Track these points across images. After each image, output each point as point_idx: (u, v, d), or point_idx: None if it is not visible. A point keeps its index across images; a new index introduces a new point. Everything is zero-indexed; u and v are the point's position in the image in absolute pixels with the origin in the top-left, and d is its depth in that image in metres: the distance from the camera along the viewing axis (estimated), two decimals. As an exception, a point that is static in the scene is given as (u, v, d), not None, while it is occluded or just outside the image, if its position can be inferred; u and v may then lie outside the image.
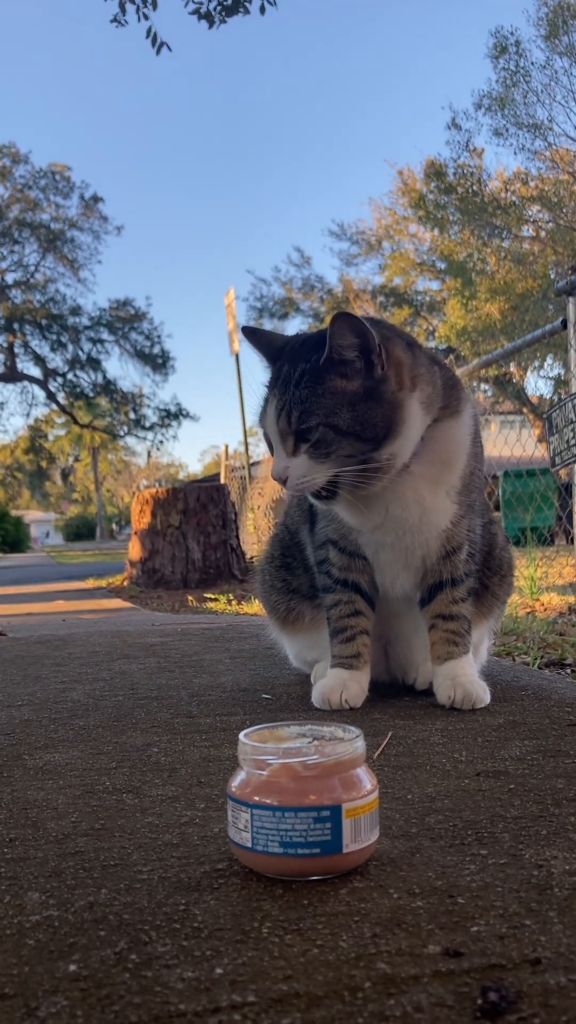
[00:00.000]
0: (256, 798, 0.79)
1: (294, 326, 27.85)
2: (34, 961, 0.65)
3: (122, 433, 34.44)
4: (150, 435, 33.16)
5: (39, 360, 30.72)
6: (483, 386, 16.94)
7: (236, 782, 0.82)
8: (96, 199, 29.10)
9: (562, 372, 18.11)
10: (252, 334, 1.52)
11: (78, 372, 31.26)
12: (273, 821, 0.77)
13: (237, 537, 7.16)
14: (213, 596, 5.54)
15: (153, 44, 6.64)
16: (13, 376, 30.56)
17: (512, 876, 0.78)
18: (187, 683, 1.87)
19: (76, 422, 34.38)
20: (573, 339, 3.74)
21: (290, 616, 1.75)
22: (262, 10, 6.61)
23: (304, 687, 1.70)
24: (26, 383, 31.55)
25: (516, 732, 1.32)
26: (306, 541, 1.70)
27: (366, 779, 0.81)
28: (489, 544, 1.66)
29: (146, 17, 6.68)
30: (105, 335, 30.97)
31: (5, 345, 30.01)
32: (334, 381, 1.35)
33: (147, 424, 32.53)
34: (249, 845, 0.79)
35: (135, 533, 7.08)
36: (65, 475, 54.42)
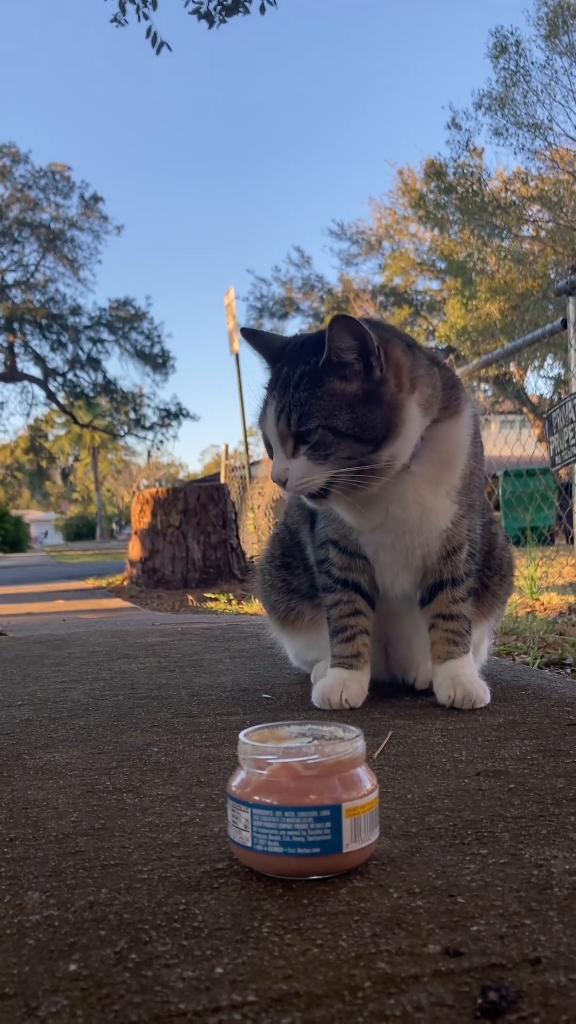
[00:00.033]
0: (256, 798, 0.79)
1: (294, 326, 27.88)
2: (34, 961, 0.66)
3: (122, 433, 34.46)
4: (150, 435, 33.20)
5: (39, 360, 30.75)
6: (483, 386, 16.96)
7: (236, 781, 0.82)
8: (96, 199, 29.13)
9: (562, 372, 18.12)
10: (251, 335, 1.52)
11: (78, 372, 31.30)
12: (273, 821, 0.77)
13: (237, 537, 7.16)
14: (213, 596, 5.54)
15: (153, 44, 6.64)
16: (13, 376, 30.56)
17: (512, 876, 0.78)
18: (187, 683, 1.87)
19: (76, 422, 34.39)
20: (573, 339, 3.74)
21: (290, 616, 1.76)
22: (262, 10, 6.61)
23: (304, 687, 1.71)
24: (26, 383, 31.59)
25: (516, 732, 1.33)
26: (306, 541, 1.71)
27: (366, 779, 0.81)
28: (489, 544, 1.66)
29: (146, 17, 6.68)
30: (105, 335, 31.01)
31: (5, 345, 30.02)
32: (333, 383, 1.35)
33: (147, 424, 32.56)
34: (249, 845, 0.79)
35: (135, 533, 7.07)
36: (65, 475, 54.42)
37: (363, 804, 0.79)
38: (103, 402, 32.30)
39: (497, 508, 7.78)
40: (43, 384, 31.45)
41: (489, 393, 17.82)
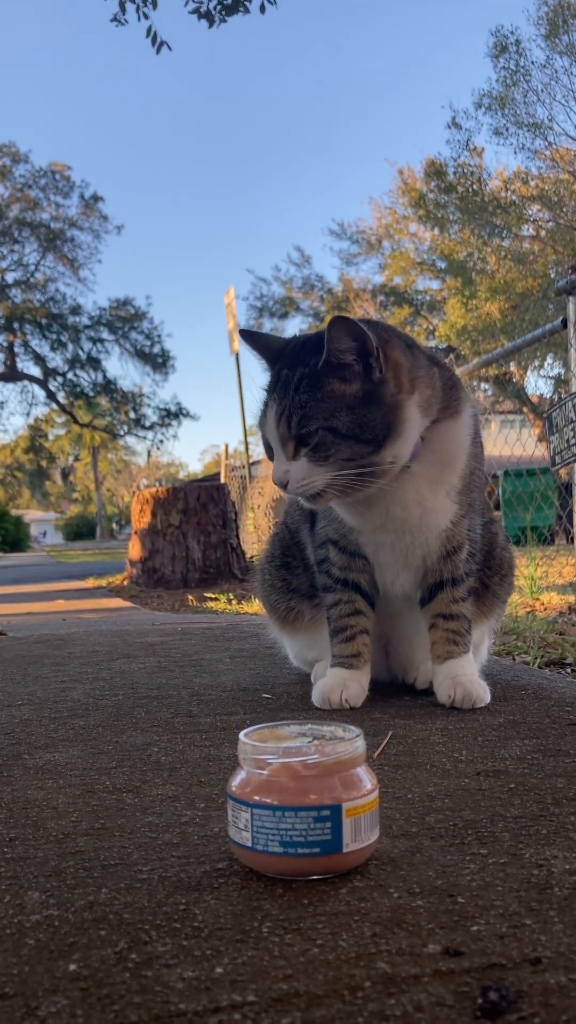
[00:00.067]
0: (256, 797, 0.79)
1: (294, 325, 27.89)
2: (34, 961, 0.66)
3: (122, 432, 34.45)
4: (150, 434, 33.18)
5: (39, 359, 30.73)
6: (483, 385, 16.96)
7: (236, 781, 0.82)
8: (96, 198, 29.12)
9: (562, 371, 18.11)
10: (250, 337, 1.52)
11: (78, 371, 31.28)
12: (273, 820, 0.77)
13: (237, 536, 7.16)
14: (213, 595, 5.54)
15: (153, 43, 6.64)
16: (13, 375, 30.55)
17: (512, 875, 0.78)
18: (187, 682, 1.87)
19: (76, 421, 34.38)
20: (573, 338, 3.74)
21: (290, 615, 1.76)
22: (262, 9, 6.61)
23: (304, 686, 1.71)
24: (26, 382, 31.57)
25: (516, 731, 1.33)
26: (306, 540, 1.71)
27: (366, 778, 0.81)
28: (489, 543, 1.66)
29: (146, 16, 6.68)
30: (105, 334, 31.00)
31: (5, 344, 30.01)
32: (333, 385, 1.35)
33: (147, 423, 32.55)
34: (249, 844, 0.79)
35: (135, 532, 7.07)
36: (65, 474, 54.44)
37: (363, 804, 0.79)
38: (103, 402, 32.29)
39: (497, 508, 7.78)
40: (43, 384, 31.45)
41: (489, 393, 17.82)
